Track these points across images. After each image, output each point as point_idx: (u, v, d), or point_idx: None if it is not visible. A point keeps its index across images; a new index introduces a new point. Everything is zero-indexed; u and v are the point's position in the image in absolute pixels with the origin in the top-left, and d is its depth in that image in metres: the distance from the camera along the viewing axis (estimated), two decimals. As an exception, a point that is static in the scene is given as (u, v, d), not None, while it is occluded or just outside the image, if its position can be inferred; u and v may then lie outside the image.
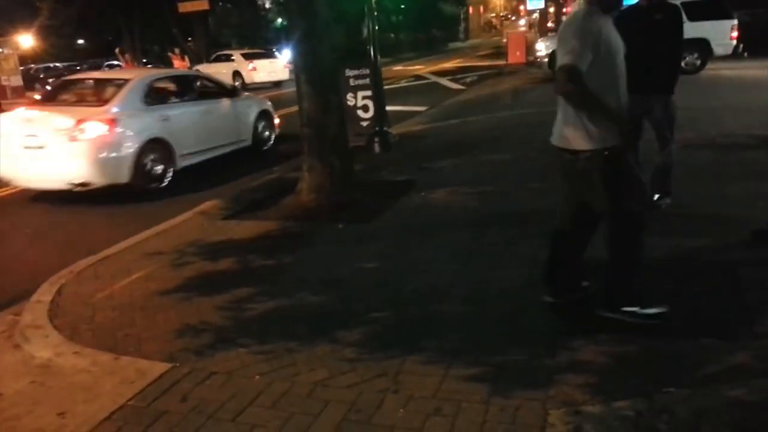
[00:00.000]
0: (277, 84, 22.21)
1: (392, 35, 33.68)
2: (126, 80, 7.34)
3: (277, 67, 23.22)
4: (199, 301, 3.81)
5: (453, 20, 50.71)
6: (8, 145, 6.77)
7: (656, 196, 4.79)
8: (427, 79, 20.42)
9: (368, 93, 8.29)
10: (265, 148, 9.34)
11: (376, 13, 8.11)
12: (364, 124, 8.43)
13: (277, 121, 9.71)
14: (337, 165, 5.84)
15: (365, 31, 8.06)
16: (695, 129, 7.07)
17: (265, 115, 9.37)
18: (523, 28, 39.70)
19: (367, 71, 8.19)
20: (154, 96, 7.47)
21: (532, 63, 17.86)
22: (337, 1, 6.01)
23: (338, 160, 5.86)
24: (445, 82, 18.81)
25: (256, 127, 9.07)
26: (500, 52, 25.47)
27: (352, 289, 3.84)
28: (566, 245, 3.34)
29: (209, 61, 23.04)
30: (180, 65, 17.56)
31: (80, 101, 7.32)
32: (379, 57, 8.15)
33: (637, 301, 3.08)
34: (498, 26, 61.48)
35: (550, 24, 25.62)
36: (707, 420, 2.32)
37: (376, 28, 8.02)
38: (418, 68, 25.50)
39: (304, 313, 3.56)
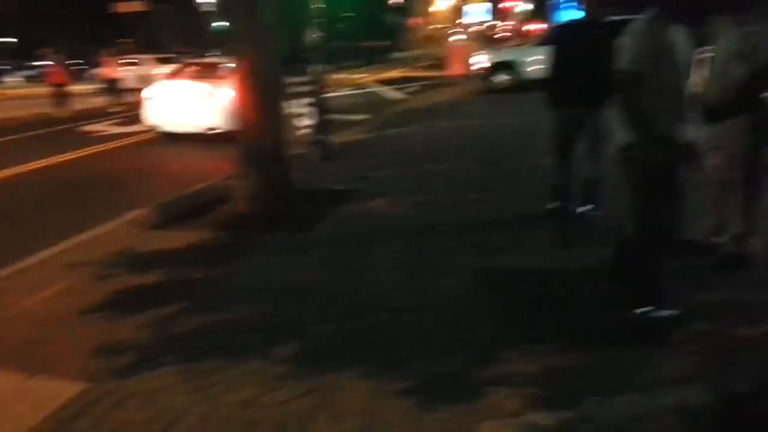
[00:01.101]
0: None
1: (335, 43, 33.62)
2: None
3: None
4: (123, 316, 3.62)
5: (395, 30, 51.19)
6: (164, 103, 10.48)
7: (587, 208, 4.91)
8: (369, 88, 20.48)
9: (309, 101, 8.19)
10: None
11: (320, 20, 8.04)
12: (305, 132, 8.33)
13: None
14: (275, 173, 5.71)
15: (308, 39, 7.98)
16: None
17: None
18: (453, 38, 40.74)
19: (309, 79, 8.09)
20: None
21: (472, 75, 18.17)
22: (280, 6, 5.92)
23: (277, 167, 5.73)
24: (387, 91, 18.91)
25: None
26: (441, 63, 25.82)
27: (287, 301, 3.74)
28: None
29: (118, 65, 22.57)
30: (110, 66, 16.92)
31: (205, 77, 10.73)
32: (321, 65, 8.07)
33: (653, 302, 3.14)
34: (439, 38, 62.50)
35: (506, 34, 26.11)
36: (632, 429, 2.36)
37: (320, 35, 7.94)
38: (360, 77, 25.55)
39: (236, 327, 3.43)
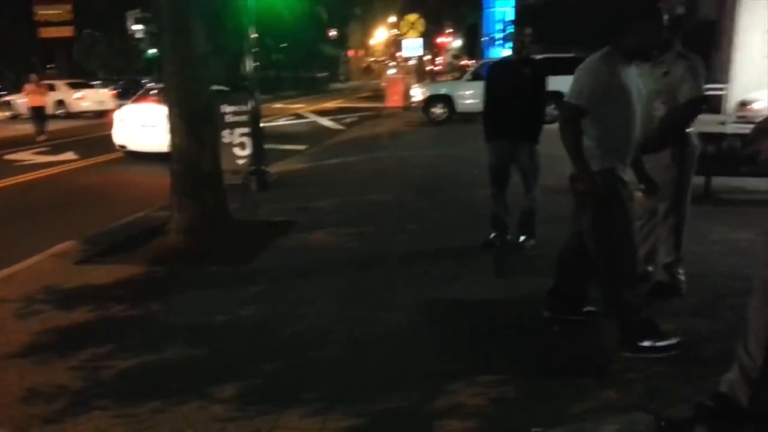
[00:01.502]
0: (102, 113, 21.18)
1: (273, 72, 33.60)
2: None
3: (103, 96, 23.60)
4: (50, 358, 3.39)
5: (334, 62, 51.73)
6: (130, 125, 11.15)
7: (522, 238, 5.04)
8: (307, 118, 20.49)
9: (246, 130, 8.08)
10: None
11: (256, 50, 8.01)
12: (241, 162, 8.19)
13: None
14: (210, 204, 5.57)
15: (244, 68, 7.92)
16: (556, 175, 7.59)
17: None
18: (392, 71, 41.49)
19: (246, 108, 8.00)
20: None
21: (410, 107, 18.53)
22: (214, 35, 5.85)
23: (212, 198, 5.60)
24: (325, 121, 18.97)
25: None
26: (379, 95, 26.22)
27: (225, 339, 3.61)
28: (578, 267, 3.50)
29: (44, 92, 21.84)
30: (36, 93, 16.17)
31: None
32: (258, 94, 8.01)
33: (650, 335, 3.15)
34: (377, 70, 63.53)
35: (442, 68, 26.74)
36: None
37: (256, 64, 7.90)
38: (299, 107, 25.56)
39: (171, 367, 3.27)
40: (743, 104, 14.21)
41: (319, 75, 47.74)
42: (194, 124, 5.54)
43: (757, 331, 2.38)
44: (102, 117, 20.15)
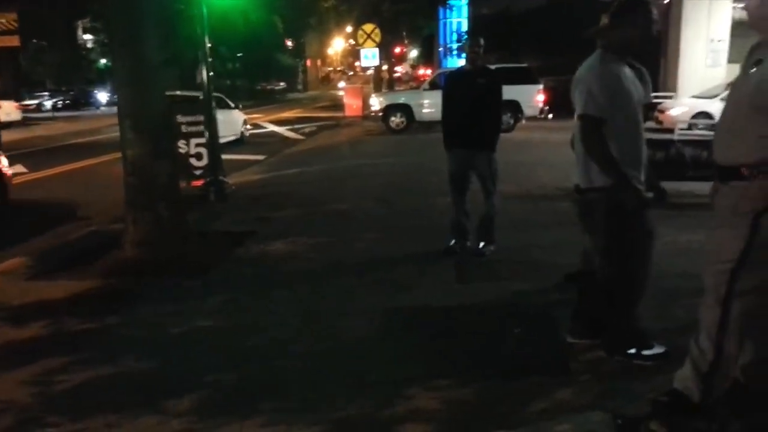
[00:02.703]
0: (6, 125, 20.59)
1: (228, 82, 33.24)
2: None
3: (9, 108, 22.96)
4: (1, 374, 3.26)
5: (291, 71, 51.52)
6: None
7: (481, 244, 5.11)
8: (266, 128, 20.32)
9: (202, 140, 7.97)
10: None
11: (211, 59, 7.93)
12: (198, 172, 8.07)
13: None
14: (166, 216, 5.46)
15: (199, 77, 7.82)
16: (514, 182, 7.75)
17: None
18: (341, 84, 42.03)
19: (201, 118, 7.90)
20: None
21: (369, 116, 18.61)
22: (167, 44, 5.77)
23: (168, 210, 5.48)
24: (283, 131, 18.85)
25: None
26: (338, 104, 26.22)
27: (183, 351, 3.54)
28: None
29: None
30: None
31: None
32: (214, 104, 7.92)
33: (638, 343, 3.11)
34: (335, 80, 63.58)
35: (400, 77, 26.86)
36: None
37: (211, 74, 7.81)
38: (257, 117, 25.30)
39: (128, 381, 3.19)
40: (660, 111, 14.78)
41: (277, 85, 47.49)
42: (148, 135, 5.43)
43: (707, 328, 2.47)
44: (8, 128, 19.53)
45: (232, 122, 14.57)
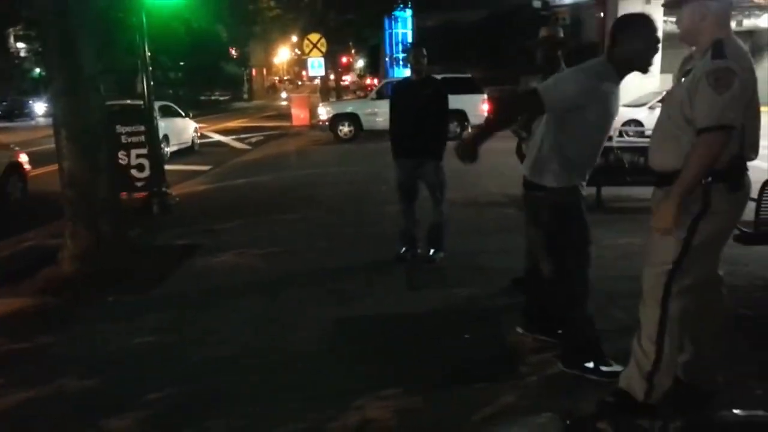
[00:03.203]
0: None
1: (171, 92, 32.50)
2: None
3: None
4: None
5: (237, 80, 50.84)
6: None
7: (431, 251, 5.15)
8: (211, 137, 19.93)
9: (143, 151, 7.73)
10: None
11: (151, 69, 7.73)
12: (140, 184, 7.82)
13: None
14: (106, 230, 5.27)
15: (139, 87, 7.60)
16: (461, 189, 7.85)
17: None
18: (284, 95, 41.97)
19: (142, 128, 7.67)
20: None
21: (316, 126, 18.53)
22: (105, 53, 5.61)
23: (108, 224, 5.30)
24: (229, 141, 18.54)
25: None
26: (285, 114, 25.99)
27: (125, 369, 3.41)
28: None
29: None
30: None
31: None
32: (156, 113, 7.71)
33: (594, 357, 3.04)
34: (282, 89, 63.11)
35: (347, 86, 26.76)
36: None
37: (152, 83, 7.62)
38: (202, 127, 24.75)
39: (67, 402, 3.05)
40: None
41: (222, 93, 46.72)
42: (86, 146, 5.24)
43: (648, 328, 2.55)
44: None
45: (183, 130, 15.21)
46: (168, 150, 13.70)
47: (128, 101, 13.13)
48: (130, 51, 7.97)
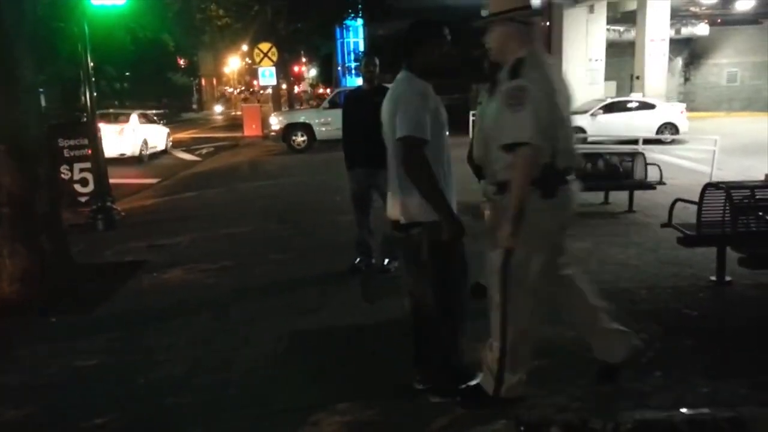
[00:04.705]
0: None
1: (117, 103, 31.64)
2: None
3: None
4: None
5: (185, 91, 49.89)
6: None
7: (386, 261, 5.13)
8: (156, 148, 19.45)
9: (87, 165, 7.48)
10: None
11: (95, 80, 7.50)
12: (83, 199, 7.55)
13: None
14: (48, 248, 5.04)
15: (82, 98, 7.35)
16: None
17: None
18: (218, 108, 41.53)
19: (86, 141, 7.42)
20: None
21: (269, 136, 18.34)
22: (47, 63, 5.40)
23: (49, 242, 5.07)
24: (178, 153, 18.14)
25: None
26: (236, 124, 25.66)
27: (67, 394, 3.26)
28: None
29: None
30: None
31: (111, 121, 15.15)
32: (99, 126, 7.47)
33: (465, 380, 2.96)
34: (232, 99, 62.27)
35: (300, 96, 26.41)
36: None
37: (95, 95, 7.38)
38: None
39: (5, 430, 2.88)
40: None
41: (170, 104, 45.77)
42: (25, 161, 5.01)
43: (494, 330, 2.73)
44: None
45: (158, 135, 17.30)
46: (146, 153, 15.83)
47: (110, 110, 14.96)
48: (72, 62, 7.67)
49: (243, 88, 65.08)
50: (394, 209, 2.84)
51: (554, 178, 2.58)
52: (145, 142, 15.81)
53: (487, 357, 2.82)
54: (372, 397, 3.03)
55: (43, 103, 14.15)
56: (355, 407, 2.95)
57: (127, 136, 15.25)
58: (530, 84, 2.46)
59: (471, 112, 14.80)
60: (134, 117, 16.10)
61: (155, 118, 17.86)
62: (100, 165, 7.44)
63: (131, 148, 15.24)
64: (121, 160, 14.40)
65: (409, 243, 2.82)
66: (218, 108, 48.43)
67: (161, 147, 17.32)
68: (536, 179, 2.49)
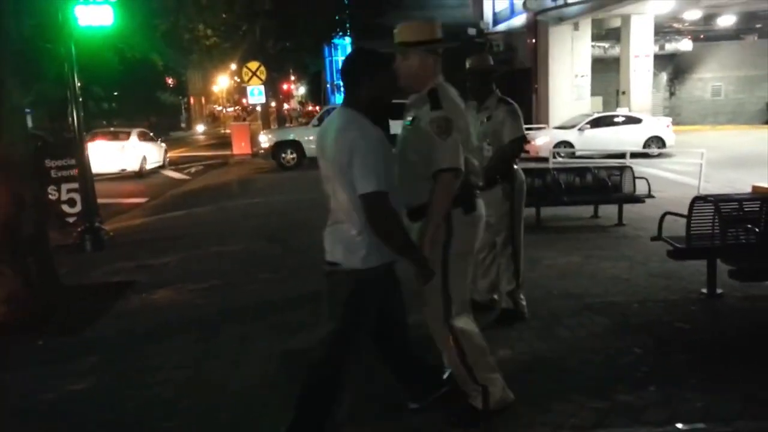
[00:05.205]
0: None
1: (104, 122, 31.55)
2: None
3: None
4: None
5: (174, 109, 49.88)
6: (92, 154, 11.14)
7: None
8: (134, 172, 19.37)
9: (74, 185, 7.41)
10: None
11: (82, 100, 7.47)
12: (71, 220, 7.48)
13: None
14: (34, 270, 4.97)
15: (69, 119, 7.31)
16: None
17: None
18: (200, 128, 40.95)
19: (73, 161, 7.36)
20: None
21: (258, 154, 18.33)
22: (34, 84, 5.36)
23: (36, 264, 5.00)
24: (167, 171, 18.07)
25: None
26: (225, 142, 25.64)
27: (53, 421, 3.18)
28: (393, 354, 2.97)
29: None
30: None
31: (114, 138, 16.76)
32: (87, 145, 7.42)
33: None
34: (221, 117, 62.32)
35: (290, 114, 26.38)
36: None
37: (82, 115, 7.34)
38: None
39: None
40: (527, 141, 16.13)
41: (158, 123, 45.72)
42: (11, 182, 4.96)
43: (444, 348, 2.84)
44: None
45: (157, 152, 18.37)
46: (147, 167, 17.01)
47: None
48: (59, 82, 7.64)
49: (237, 107, 65.10)
50: (325, 242, 2.69)
51: (470, 194, 2.79)
52: (145, 159, 16.91)
53: (458, 376, 2.86)
54: (363, 418, 2.99)
55: (30, 123, 14.14)
56: (348, 428, 2.90)
57: (128, 153, 16.44)
58: (450, 114, 2.63)
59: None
60: (134, 135, 17.17)
61: (152, 135, 18.87)
62: (88, 185, 7.37)
63: (132, 164, 16.43)
64: (122, 176, 15.84)
65: (330, 281, 2.64)
66: (200, 128, 48.34)
67: (159, 163, 18.40)
68: (457, 198, 2.66)
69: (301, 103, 53.95)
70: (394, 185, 2.55)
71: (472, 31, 25.50)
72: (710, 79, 27.82)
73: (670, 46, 26.12)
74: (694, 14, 23.00)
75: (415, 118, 2.71)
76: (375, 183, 2.38)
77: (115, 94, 35.38)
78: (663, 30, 24.90)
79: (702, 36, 27.89)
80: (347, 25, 25.76)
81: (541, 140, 15.72)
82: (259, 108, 23.36)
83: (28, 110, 13.33)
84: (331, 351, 2.60)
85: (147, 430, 3.05)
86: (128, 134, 17.07)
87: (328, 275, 2.65)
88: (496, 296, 4.32)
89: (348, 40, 30.43)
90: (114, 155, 15.97)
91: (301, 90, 53.63)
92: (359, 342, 2.66)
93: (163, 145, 19.59)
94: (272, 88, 23.98)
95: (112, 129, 19.41)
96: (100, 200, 7.89)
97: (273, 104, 26.32)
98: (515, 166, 4.17)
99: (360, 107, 2.54)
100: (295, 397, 2.63)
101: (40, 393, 3.48)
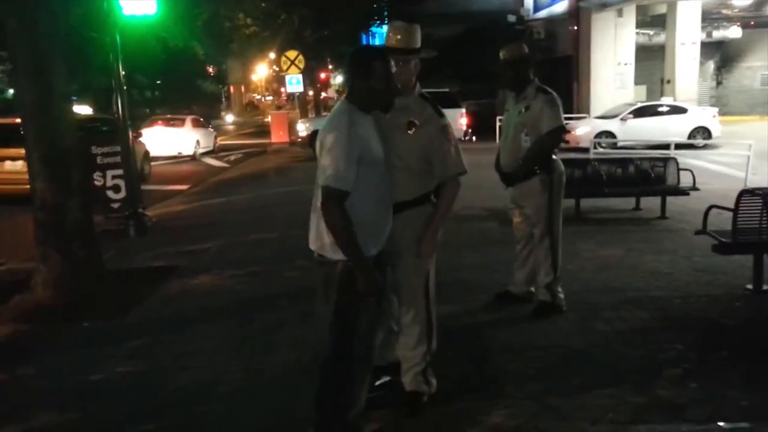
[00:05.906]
0: None
1: (148, 110, 32.24)
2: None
3: None
4: None
5: (215, 98, 50.60)
6: (152, 139, 15.81)
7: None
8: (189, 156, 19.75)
9: (119, 172, 7.61)
10: None
11: (126, 88, 7.64)
12: (116, 205, 7.69)
13: None
14: (80, 254, 5.14)
15: (114, 107, 7.50)
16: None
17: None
18: (277, 106, 40.52)
19: (118, 148, 7.56)
20: None
21: (296, 142, 18.50)
22: (80, 73, 5.52)
23: (82, 248, 5.17)
24: (208, 159, 18.39)
25: None
26: (264, 130, 25.91)
27: (100, 401, 3.30)
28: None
29: None
30: None
31: (172, 123, 19.09)
32: (131, 133, 7.60)
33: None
34: (262, 106, 62.96)
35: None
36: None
37: (126, 102, 7.52)
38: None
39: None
40: (567, 131, 15.72)
41: (200, 111, 46.45)
42: (58, 168, 5.13)
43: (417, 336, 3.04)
44: None
45: (209, 138, 20.04)
46: (199, 151, 18.57)
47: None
48: (104, 71, 7.83)
49: (283, 96, 65.59)
50: (310, 234, 2.60)
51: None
52: (198, 143, 18.65)
53: (414, 362, 3.01)
54: (398, 405, 3.00)
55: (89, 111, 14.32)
56: (383, 415, 2.93)
57: (183, 138, 18.28)
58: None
59: (498, 117, 14.73)
60: (188, 121, 19.12)
61: (203, 122, 20.51)
62: (132, 172, 7.57)
63: (187, 148, 18.16)
64: (179, 158, 17.52)
65: (321, 274, 2.56)
66: (230, 117, 46.14)
67: (210, 148, 19.83)
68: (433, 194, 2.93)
69: (338, 91, 54.05)
70: (382, 174, 2.55)
71: (512, 18, 25.05)
72: (760, 67, 26.73)
73: (717, 33, 25.16)
74: (743, 0, 22.13)
75: (412, 123, 2.83)
76: (332, 178, 2.38)
77: (158, 82, 36.06)
78: (710, 16, 23.99)
79: (752, 23, 26.75)
80: (385, 14, 25.62)
81: (582, 130, 15.40)
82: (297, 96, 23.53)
83: (74, 98, 13.69)
84: (338, 347, 2.56)
85: (185, 411, 3.13)
86: (183, 121, 18.85)
87: (319, 265, 2.57)
88: (533, 288, 4.29)
89: (385, 28, 30.32)
90: (171, 140, 17.72)
91: (338, 79, 53.75)
92: (370, 335, 2.59)
93: (213, 131, 20.91)
94: (310, 76, 24.09)
95: (169, 116, 20.82)
96: (144, 187, 8.08)
97: (311, 93, 26.45)
98: (554, 157, 4.10)
99: (354, 100, 2.53)
100: (313, 398, 2.62)
101: (84, 376, 3.60)
